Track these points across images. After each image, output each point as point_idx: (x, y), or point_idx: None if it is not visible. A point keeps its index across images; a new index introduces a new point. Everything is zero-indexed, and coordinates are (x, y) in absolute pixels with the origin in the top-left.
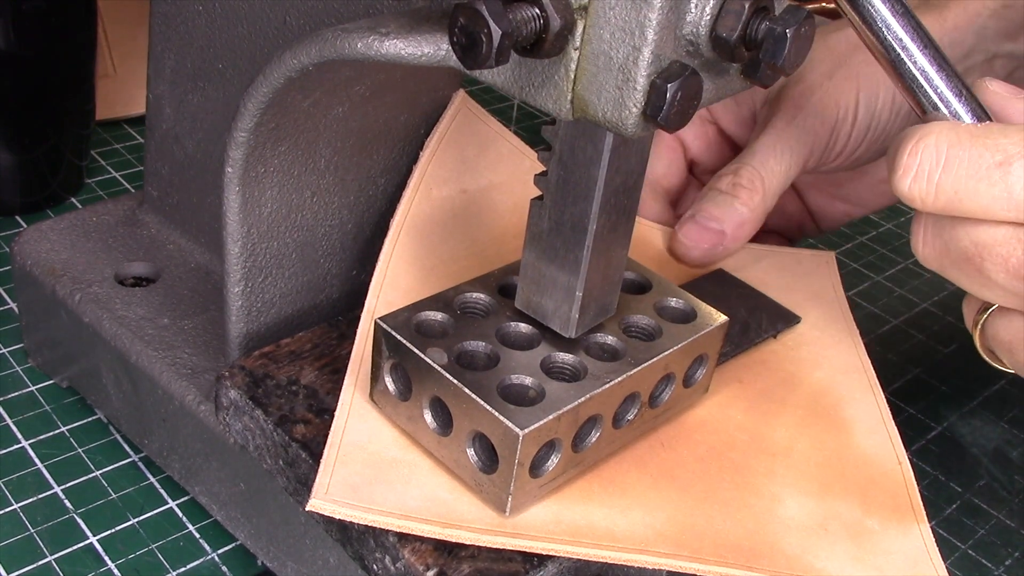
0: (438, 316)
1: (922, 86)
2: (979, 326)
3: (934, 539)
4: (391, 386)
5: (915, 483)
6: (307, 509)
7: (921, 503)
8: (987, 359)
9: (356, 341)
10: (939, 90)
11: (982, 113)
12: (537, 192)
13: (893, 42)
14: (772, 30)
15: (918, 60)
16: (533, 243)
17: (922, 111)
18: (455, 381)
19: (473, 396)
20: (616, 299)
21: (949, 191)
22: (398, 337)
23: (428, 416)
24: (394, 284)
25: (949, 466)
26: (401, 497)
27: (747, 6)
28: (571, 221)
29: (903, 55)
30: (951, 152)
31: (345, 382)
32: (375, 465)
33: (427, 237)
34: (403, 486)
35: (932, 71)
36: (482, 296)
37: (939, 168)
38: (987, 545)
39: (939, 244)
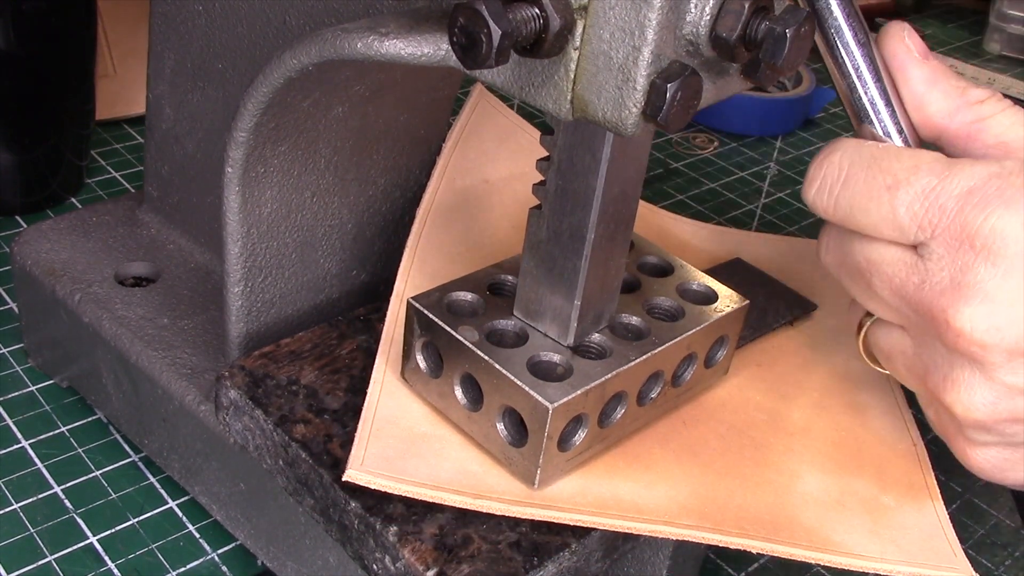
0: (468, 296)
1: (866, 108)
2: (863, 331)
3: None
4: (423, 364)
5: (930, 463)
6: (343, 480)
7: (936, 483)
8: (866, 360)
9: (386, 322)
10: (880, 116)
11: (917, 144)
12: None
13: (851, 68)
14: (772, 30)
15: (871, 90)
16: (531, 252)
17: (859, 123)
18: (486, 357)
19: (504, 371)
20: (614, 307)
21: (845, 206)
22: (430, 316)
23: (459, 392)
24: (421, 269)
25: (949, 466)
26: (433, 470)
27: (747, 6)
28: (569, 230)
29: (857, 82)
30: (851, 171)
31: (376, 361)
32: (407, 440)
33: (452, 225)
34: (435, 459)
35: (881, 103)
36: (510, 277)
37: (839, 183)
38: (987, 545)
39: (839, 254)
